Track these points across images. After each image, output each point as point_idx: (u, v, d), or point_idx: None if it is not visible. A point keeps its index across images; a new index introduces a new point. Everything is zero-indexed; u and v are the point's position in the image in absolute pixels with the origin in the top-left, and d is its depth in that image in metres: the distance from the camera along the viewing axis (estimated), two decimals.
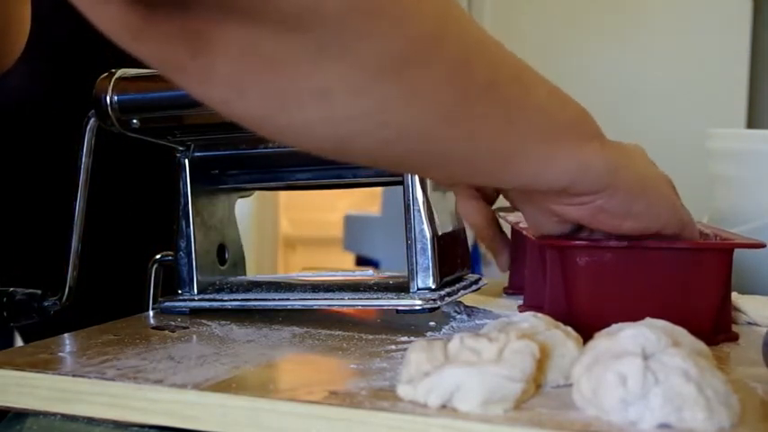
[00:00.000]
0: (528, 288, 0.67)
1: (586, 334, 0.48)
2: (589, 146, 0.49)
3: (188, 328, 0.61)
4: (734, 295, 0.67)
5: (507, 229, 0.74)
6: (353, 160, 0.52)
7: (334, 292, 0.64)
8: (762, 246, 0.56)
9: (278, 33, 0.37)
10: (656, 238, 0.54)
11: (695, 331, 0.46)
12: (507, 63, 0.45)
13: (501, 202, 0.74)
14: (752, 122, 2.11)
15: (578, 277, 0.55)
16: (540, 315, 0.50)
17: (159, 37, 0.37)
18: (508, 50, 0.45)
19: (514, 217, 0.71)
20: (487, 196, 0.69)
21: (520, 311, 0.65)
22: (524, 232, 0.64)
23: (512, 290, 0.74)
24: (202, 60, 0.38)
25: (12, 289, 0.66)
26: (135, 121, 0.63)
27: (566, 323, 0.50)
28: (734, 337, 0.58)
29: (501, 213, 0.75)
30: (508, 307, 0.68)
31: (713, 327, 0.56)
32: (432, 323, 0.62)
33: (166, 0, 0.36)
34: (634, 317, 0.46)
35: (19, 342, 0.95)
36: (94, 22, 0.37)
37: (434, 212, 0.63)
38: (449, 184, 0.66)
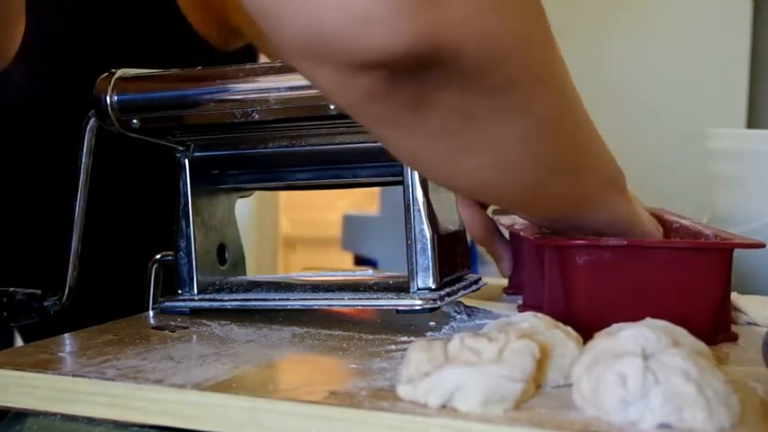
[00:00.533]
0: (527, 288, 0.67)
1: (585, 333, 0.48)
2: (622, 198, 0.56)
3: (188, 328, 0.61)
4: (734, 295, 0.67)
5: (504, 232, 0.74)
6: (481, 198, 0.63)
7: (334, 292, 0.64)
8: (761, 246, 0.56)
9: (483, 97, 0.41)
10: None
11: (694, 331, 0.46)
12: (575, 95, 0.50)
13: None
14: (752, 122, 2.11)
15: (577, 277, 0.55)
16: (540, 315, 0.50)
17: (390, 101, 0.40)
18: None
19: (508, 219, 0.71)
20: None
21: (519, 311, 0.65)
22: (522, 234, 0.64)
23: (511, 290, 0.74)
24: (417, 118, 0.42)
25: (12, 289, 0.66)
26: (135, 121, 0.63)
27: (565, 323, 0.50)
28: (733, 337, 0.58)
29: (495, 216, 0.75)
30: (508, 307, 0.68)
31: (712, 327, 0.56)
32: (432, 323, 0.62)
33: (409, 71, 0.38)
34: (633, 316, 0.46)
35: (19, 342, 0.95)
36: (320, 84, 0.40)
37: (434, 212, 0.63)
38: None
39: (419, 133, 0.43)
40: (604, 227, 0.56)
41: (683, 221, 0.65)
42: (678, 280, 0.55)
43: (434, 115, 0.42)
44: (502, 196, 0.53)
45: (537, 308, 0.58)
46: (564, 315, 0.53)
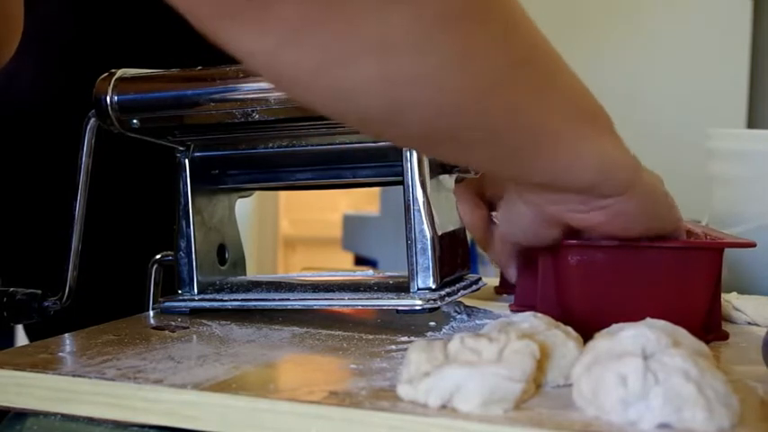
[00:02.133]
0: (519, 287, 0.67)
1: (578, 332, 0.49)
2: (610, 139, 0.48)
3: (188, 328, 0.61)
4: (734, 295, 0.67)
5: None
6: (394, 136, 0.47)
7: (334, 292, 0.64)
8: (752, 245, 0.56)
9: None
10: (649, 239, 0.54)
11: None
12: (541, 36, 0.45)
13: None
14: (752, 122, 2.11)
15: (570, 276, 0.56)
16: (540, 315, 0.50)
17: None
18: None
19: None
20: (491, 205, 0.68)
21: (511, 310, 0.66)
22: None
23: (503, 289, 0.74)
24: (260, 2, 0.35)
25: (12, 289, 0.66)
26: (135, 121, 0.63)
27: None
28: (724, 336, 0.58)
29: (493, 213, 0.75)
30: (506, 307, 0.68)
31: (703, 326, 0.56)
32: (432, 323, 0.62)
33: None
34: (624, 315, 0.47)
35: (20, 342, 0.95)
36: None
37: (434, 212, 0.63)
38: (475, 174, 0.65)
39: (275, 24, 0.35)
40: (595, 181, 0.48)
41: None
42: (669, 279, 0.55)
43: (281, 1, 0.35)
44: (409, 129, 0.42)
45: (529, 307, 0.59)
46: (556, 314, 0.53)
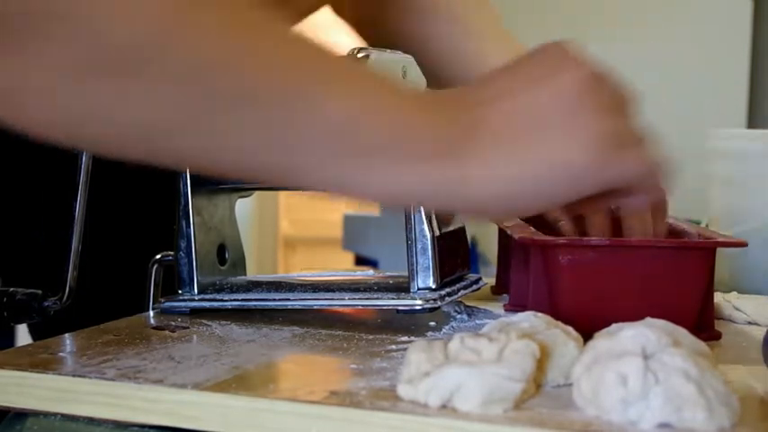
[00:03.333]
0: (513, 287, 0.67)
1: None
2: (415, 167, 0.44)
3: (188, 328, 0.61)
4: (734, 295, 0.67)
5: (493, 229, 0.74)
6: (97, 152, 0.48)
7: (334, 292, 0.64)
8: (743, 245, 0.56)
9: None
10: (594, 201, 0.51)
11: None
12: (286, 76, 0.42)
13: None
14: (752, 122, 2.10)
15: (561, 275, 0.56)
16: (540, 315, 0.50)
17: None
18: (319, 57, 0.43)
19: None
20: None
21: (505, 310, 0.66)
22: (508, 231, 0.64)
23: (498, 289, 0.74)
24: None
25: (12, 289, 0.66)
26: None
27: None
28: (716, 336, 0.58)
29: None
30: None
31: (695, 325, 0.56)
32: (432, 323, 0.62)
33: None
34: (616, 315, 0.47)
35: (21, 342, 0.95)
36: None
37: (434, 212, 0.62)
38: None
39: None
40: (387, 199, 0.47)
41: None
42: (661, 279, 0.55)
43: None
44: (114, 151, 0.44)
45: (522, 306, 0.59)
46: (548, 314, 0.53)
